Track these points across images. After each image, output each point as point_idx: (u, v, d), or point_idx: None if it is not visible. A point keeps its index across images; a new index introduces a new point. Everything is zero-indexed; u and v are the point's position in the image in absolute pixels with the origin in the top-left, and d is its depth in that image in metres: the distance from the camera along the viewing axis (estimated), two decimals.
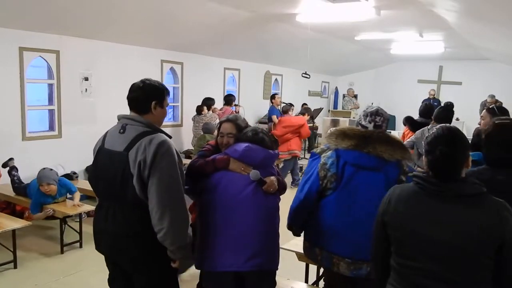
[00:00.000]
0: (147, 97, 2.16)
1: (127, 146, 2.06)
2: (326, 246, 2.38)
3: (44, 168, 4.75)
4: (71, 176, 5.63)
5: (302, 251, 3.10)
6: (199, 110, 7.51)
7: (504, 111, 3.31)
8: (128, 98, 2.19)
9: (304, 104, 10.97)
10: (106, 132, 2.24)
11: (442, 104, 10.27)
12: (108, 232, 2.15)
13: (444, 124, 1.74)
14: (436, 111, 4.44)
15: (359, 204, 2.26)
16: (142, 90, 2.15)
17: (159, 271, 2.18)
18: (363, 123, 2.39)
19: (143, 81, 2.18)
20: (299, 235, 2.63)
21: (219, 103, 8.17)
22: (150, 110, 2.16)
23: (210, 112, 7.49)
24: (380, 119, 2.38)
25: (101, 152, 2.19)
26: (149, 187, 2.03)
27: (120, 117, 2.20)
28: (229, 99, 8.10)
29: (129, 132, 2.10)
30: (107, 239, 2.17)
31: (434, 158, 1.60)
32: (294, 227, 2.55)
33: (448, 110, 4.44)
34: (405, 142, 4.49)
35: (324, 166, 2.33)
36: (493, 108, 3.37)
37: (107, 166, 2.12)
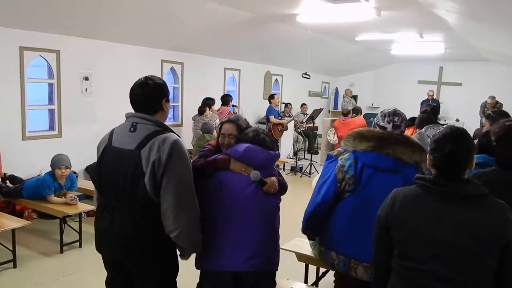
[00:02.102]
0: (157, 97, 2.15)
1: (139, 145, 2.04)
2: (342, 249, 2.31)
3: (59, 154, 4.77)
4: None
5: (301, 252, 3.12)
6: (201, 110, 7.49)
7: (504, 114, 3.33)
8: (135, 99, 2.15)
9: (304, 104, 10.98)
10: (112, 131, 2.21)
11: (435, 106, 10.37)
12: (114, 233, 2.11)
13: (451, 124, 1.76)
14: (418, 119, 4.60)
15: (377, 206, 2.22)
16: (151, 91, 2.13)
17: (163, 271, 2.18)
18: (382, 124, 2.37)
19: (147, 82, 2.14)
20: (314, 239, 2.58)
21: (219, 103, 8.17)
22: (161, 108, 2.17)
23: (211, 112, 7.48)
24: (399, 119, 2.36)
25: (108, 150, 2.15)
26: (163, 187, 2.03)
27: (128, 116, 2.17)
28: (226, 99, 8.08)
29: (140, 130, 2.08)
30: (112, 240, 2.13)
31: (441, 155, 1.61)
32: (310, 231, 2.48)
33: (427, 113, 4.59)
34: None
35: (342, 169, 2.28)
36: (490, 114, 3.40)
37: (115, 164, 2.09)
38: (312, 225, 2.42)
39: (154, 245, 2.10)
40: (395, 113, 2.38)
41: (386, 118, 2.36)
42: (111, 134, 2.20)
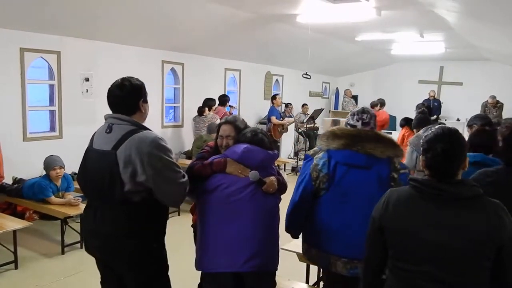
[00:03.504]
0: (133, 98, 2.18)
1: (115, 145, 2.07)
2: (322, 246, 2.40)
3: (50, 155, 4.77)
4: (72, 177, 5.64)
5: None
6: (200, 111, 7.50)
7: (483, 117, 3.49)
8: (112, 101, 2.17)
9: (305, 104, 10.98)
10: (95, 133, 2.26)
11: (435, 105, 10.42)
12: (98, 233, 2.15)
13: (443, 125, 1.76)
14: (415, 119, 4.60)
15: (352, 202, 2.29)
16: (128, 92, 2.16)
17: (150, 271, 2.18)
18: (351, 122, 2.48)
19: (123, 83, 2.16)
20: (297, 237, 2.64)
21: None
22: (138, 109, 2.19)
23: (211, 113, 7.48)
24: (367, 116, 2.46)
25: (89, 152, 2.21)
26: (156, 191, 2.07)
27: (106, 117, 2.21)
28: (223, 100, 8.07)
29: (116, 131, 2.11)
30: (97, 240, 2.18)
31: (433, 155, 1.61)
32: (292, 230, 2.57)
33: (424, 113, 4.60)
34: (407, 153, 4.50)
35: (316, 167, 2.37)
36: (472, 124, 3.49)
37: (95, 166, 2.13)
38: (293, 224, 2.50)
39: (137, 245, 2.11)
40: (363, 111, 2.49)
41: (355, 117, 2.48)
42: (92, 136, 2.25)
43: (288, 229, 2.56)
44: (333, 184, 2.32)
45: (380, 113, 8.15)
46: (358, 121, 2.45)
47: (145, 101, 2.23)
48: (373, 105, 8.32)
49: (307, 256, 2.58)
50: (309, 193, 2.38)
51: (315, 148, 2.51)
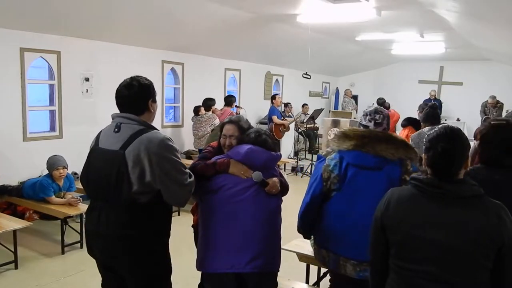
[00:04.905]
0: (142, 98, 2.15)
1: (123, 145, 2.05)
2: (332, 247, 2.37)
3: (54, 155, 4.77)
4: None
5: (302, 252, 3.13)
6: (196, 110, 7.49)
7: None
8: (120, 101, 2.15)
9: (305, 104, 10.99)
10: (100, 132, 2.23)
11: (434, 105, 10.36)
12: (101, 234, 2.12)
13: (446, 124, 1.76)
14: (423, 113, 4.56)
15: (362, 204, 2.26)
16: (136, 92, 2.13)
17: (153, 273, 2.17)
18: (364, 122, 2.43)
19: (132, 83, 2.14)
20: (309, 238, 2.64)
21: (220, 104, 8.17)
22: (147, 109, 2.17)
23: (209, 112, 7.47)
24: (380, 116, 2.41)
25: (94, 151, 2.17)
26: (162, 187, 2.06)
27: (114, 116, 2.18)
28: (229, 100, 8.07)
29: (125, 130, 2.09)
30: (100, 241, 2.14)
31: (435, 154, 1.62)
32: (303, 230, 2.56)
33: (434, 108, 4.56)
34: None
35: (327, 168, 2.34)
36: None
37: (100, 165, 2.10)
38: (304, 224, 2.50)
39: (140, 247, 2.09)
40: (376, 111, 2.44)
41: (367, 117, 2.43)
42: (98, 135, 2.21)
43: (300, 230, 2.55)
44: (344, 185, 2.30)
45: (392, 113, 8.17)
46: (370, 121, 2.40)
47: (154, 101, 2.21)
48: (387, 107, 8.36)
49: (317, 257, 2.55)
50: (319, 194, 2.37)
51: (327, 149, 2.49)
